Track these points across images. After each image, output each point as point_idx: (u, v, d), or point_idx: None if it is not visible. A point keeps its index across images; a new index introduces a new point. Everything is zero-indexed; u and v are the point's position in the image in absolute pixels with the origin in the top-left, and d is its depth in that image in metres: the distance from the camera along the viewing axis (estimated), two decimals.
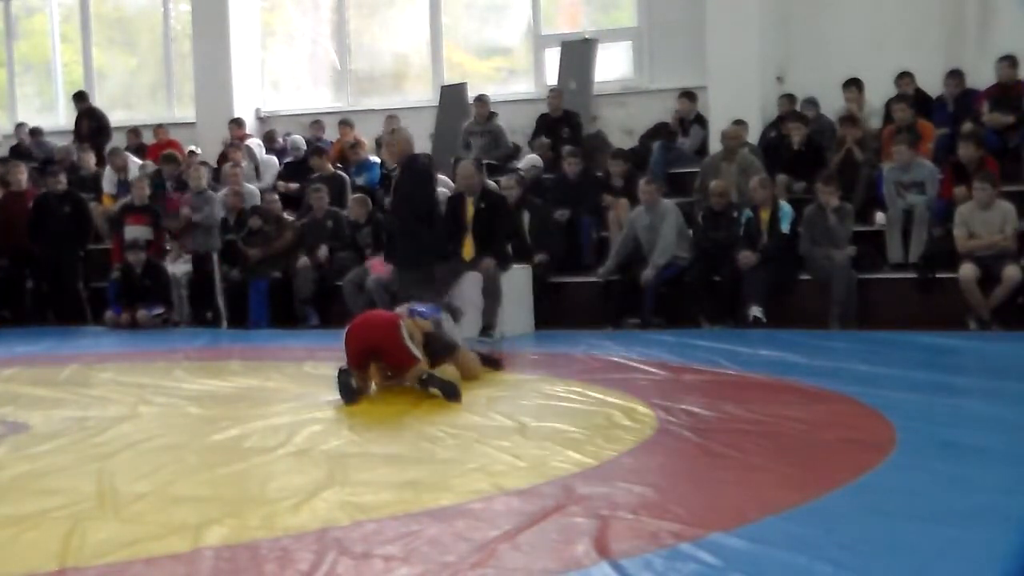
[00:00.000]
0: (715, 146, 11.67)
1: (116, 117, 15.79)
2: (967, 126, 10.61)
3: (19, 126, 15.87)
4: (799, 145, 11.10)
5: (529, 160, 12.06)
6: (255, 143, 14.09)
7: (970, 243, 9.30)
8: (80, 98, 15.57)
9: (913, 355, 7.98)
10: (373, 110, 14.90)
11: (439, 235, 9.12)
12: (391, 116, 14.04)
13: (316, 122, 14.51)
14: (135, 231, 11.88)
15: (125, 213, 12.24)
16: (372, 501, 4.41)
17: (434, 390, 6.58)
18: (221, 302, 11.54)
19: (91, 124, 15.23)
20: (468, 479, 4.74)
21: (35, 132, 15.66)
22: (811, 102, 11.96)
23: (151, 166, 13.35)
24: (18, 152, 15.02)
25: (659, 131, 12.75)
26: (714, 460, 5.06)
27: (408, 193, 8.96)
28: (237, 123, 14.51)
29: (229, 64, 15.27)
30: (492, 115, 13.17)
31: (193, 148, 14.15)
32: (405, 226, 9.04)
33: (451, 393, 6.55)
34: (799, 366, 7.62)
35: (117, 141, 15.03)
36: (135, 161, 13.88)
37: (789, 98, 12.00)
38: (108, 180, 13.71)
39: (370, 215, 11.47)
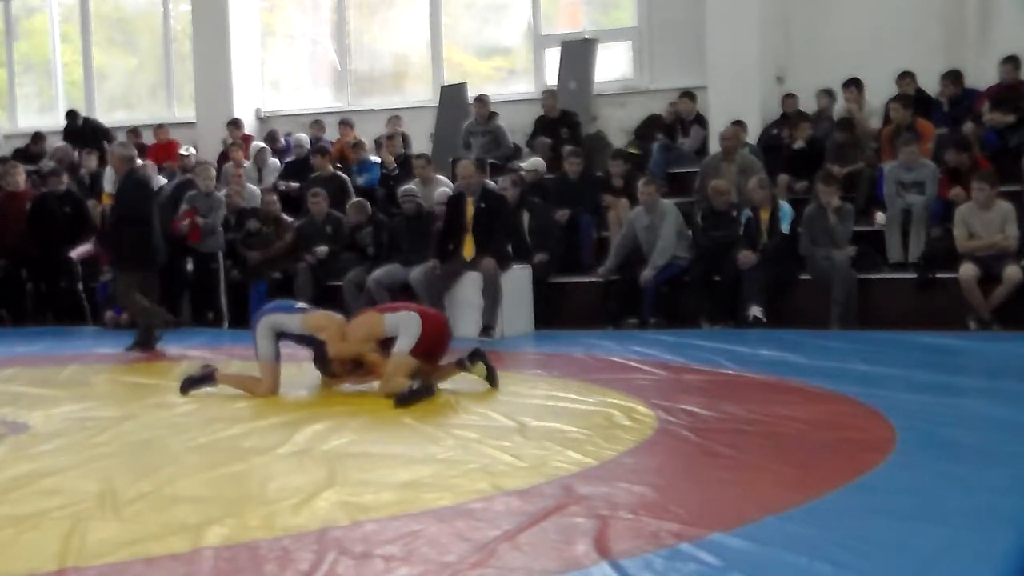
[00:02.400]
0: (715, 146, 11.68)
1: (116, 117, 15.81)
2: (968, 126, 10.61)
3: (37, 135, 15.76)
4: (803, 145, 11.10)
5: (533, 163, 12.03)
6: (263, 147, 14.03)
7: (970, 243, 9.29)
8: (71, 116, 15.56)
9: (913, 355, 7.97)
10: (373, 110, 14.93)
11: (156, 240, 9.76)
12: (393, 116, 14.08)
13: (316, 122, 14.50)
14: None
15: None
16: (372, 501, 4.40)
17: (482, 365, 6.89)
18: (224, 302, 11.54)
19: (90, 132, 15.20)
20: (468, 479, 4.73)
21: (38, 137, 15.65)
22: (827, 92, 11.93)
23: (151, 167, 13.33)
24: (26, 156, 14.99)
25: (653, 125, 12.78)
26: (714, 460, 5.05)
27: (126, 201, 9.61)
28: (235, 124, 14.50)
29: (229, 64, 15.28)
30: (492, 115, 13.16)
31: (186, 149, 14.13)
32: (123, 231, 9.63)
33: (494, 377, 6.90)
34: (799, 366, 7.61)
35: None
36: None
37: (794, 100, 11.99)
38: (108, 180, 13.68)
39: (370, 216, 11.46)
